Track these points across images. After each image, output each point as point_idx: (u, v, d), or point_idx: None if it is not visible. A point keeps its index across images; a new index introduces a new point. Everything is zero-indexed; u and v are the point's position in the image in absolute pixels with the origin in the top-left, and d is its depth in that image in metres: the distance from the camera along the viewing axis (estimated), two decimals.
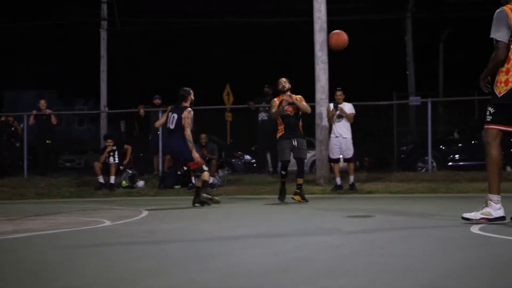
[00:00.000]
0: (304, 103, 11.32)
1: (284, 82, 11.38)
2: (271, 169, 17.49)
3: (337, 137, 13.95)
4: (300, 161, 11.44)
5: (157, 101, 17.91)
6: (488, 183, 6.84)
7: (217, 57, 33.64)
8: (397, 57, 28.30)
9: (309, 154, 18.86)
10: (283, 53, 32.29)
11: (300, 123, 11.39)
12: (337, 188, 13.95)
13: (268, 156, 17.75)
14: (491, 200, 6.73)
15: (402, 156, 19.29)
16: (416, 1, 27.21)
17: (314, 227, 7.13)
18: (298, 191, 11.35)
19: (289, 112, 11.17)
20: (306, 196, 11.48)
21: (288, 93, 11.29)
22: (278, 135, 11.36)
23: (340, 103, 13.94)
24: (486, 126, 6.84)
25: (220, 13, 27.09)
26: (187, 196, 13.27)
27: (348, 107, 14.03)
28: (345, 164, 14.28)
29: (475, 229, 6.34)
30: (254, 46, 32.63)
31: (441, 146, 18.50)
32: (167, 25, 27.34)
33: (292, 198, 11.30)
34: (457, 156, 18.38)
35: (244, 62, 32.56)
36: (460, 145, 18.55)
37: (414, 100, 19.77)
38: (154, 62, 34.89)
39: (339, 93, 14.02)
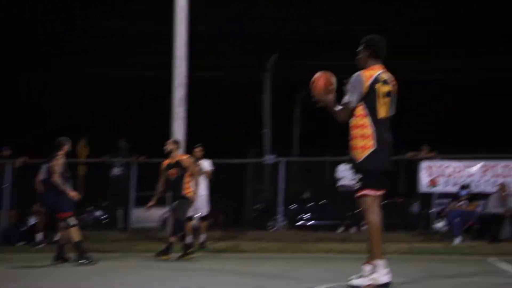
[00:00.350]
0: (197, 167, 11.53)
1: (167, 145, 11.54)
2: (122, 225, 17.14)
3: None
4: (175, 221, 11.73)
5: (6, 152, 17.14)
6: (371, 248, 6.73)
7: (75, 108, 32.86)
8: (255, 115, 28.80)
9: (161, 211, 18.72)
10: (141, 107, 32.06)
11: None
12: (188, 247, 13.76)
13: (120, 213, 17.39)
14: (378, 265, 6.66)
15: (255, 214, 19.48)
16: (275, 61, 27.96)
17: None
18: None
19: (171, 176, 11.49)
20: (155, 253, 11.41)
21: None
22: None
23: (199, 159, 13.89)
24: (358, 194, 6.83)
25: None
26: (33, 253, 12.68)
27: (206, 164, 14.02)
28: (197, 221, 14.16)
29: None
30: (112, 99, 32.17)
31: (292, 205, 18.87)
32: None
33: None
34: (307, 215, 18.80)
35: (101, 115, 31.96)
36: (310, 204, 19.02)
37: (269, 159, 20.09)
38: None
39: (198, 149, 13.97)
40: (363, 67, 6.95)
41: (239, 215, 20.85)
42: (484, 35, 27.57)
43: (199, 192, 13.72)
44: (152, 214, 19.07)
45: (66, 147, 10.68)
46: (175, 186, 11.49)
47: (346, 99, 6.84)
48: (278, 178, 17.01)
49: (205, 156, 14.15)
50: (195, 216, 13.87)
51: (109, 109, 31.29)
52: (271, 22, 27.35)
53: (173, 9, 15.50)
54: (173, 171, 11.49)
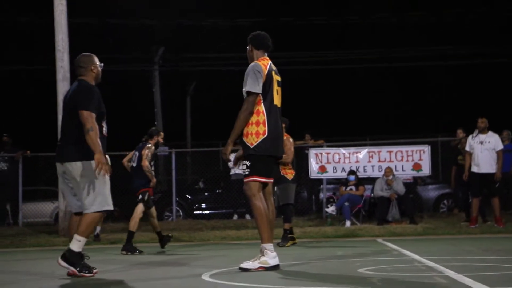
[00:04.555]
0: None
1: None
2: (11, 221, 16.71)
3: None
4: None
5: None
6: (259, 234, 6.93)
7: None
8: (146, 108, 28.63)
9: (54, 205, 18.35)
10: (27, 102, 31.20)
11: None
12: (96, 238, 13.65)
13: (7, 208, 16.96)
14: (266, 249, 6.85)
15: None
16: (163, 54, 27.90)
17: None
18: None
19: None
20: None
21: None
22: None
23: None
24: (246, 180, 6.97)
25: None
26: None
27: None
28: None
29: (206, 276, 6.54)
30: None
31: (187, 195, 18.93)
32: None
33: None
34: (202, 205, 18.93)
35: None
36: (205, 194, 19.14)
37: (162, 150, 20.03)
38: None
39: None
40: (251, 60, 7.20)
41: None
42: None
43: None
44: (43, 209, 18.74)
45: (156, 137, 11.06)
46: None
47: (249, 88, 6.94)
48: (171, 169, 17.02)
49: None
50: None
51: None
52: (155, 17, 27.32)
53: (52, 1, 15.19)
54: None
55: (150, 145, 11.02)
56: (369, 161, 16.88)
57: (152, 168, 11.06)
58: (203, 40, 28.98)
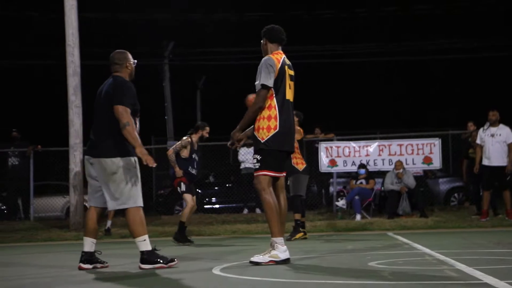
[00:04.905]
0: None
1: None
2: (22, 216, 16.81)
3: None
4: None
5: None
6: (269, 227, 6.94)
7: None
8: (156, 102, 28.70)
9: (65, 200, 18.41)
10: (38, 97, 31.34)
11: None
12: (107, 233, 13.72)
13: (19, 203, 17.04)
14: (277, 243, 6.87)
15: (160, 199, 19.47)
16: (173, 48, 27.94)
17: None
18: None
19: None
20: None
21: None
22: None
23: None
24: (256, 174, 6.97)
25: None
26: None
27: None
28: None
29: (216, 270, 6.56)
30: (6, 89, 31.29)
31: (197, 190, 18.94)
32: None
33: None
34: (212, 199, 18.96)
35: None
36: (215, 188, 19.17)
37: (171, 145, 20.07)
38: None
39: None
40: (265, 53, 7.19)
41: (144, 202, 20.72)
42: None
43: None
44: (54, 204, 18.81)
45: (200, 132, 11.31)
46: None
47: (262, 81, 6.93)
48: None
49: None
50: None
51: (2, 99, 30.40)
52: (166, 11, 27.34)
53: None
54: None
55: (186, 137, 11.27)
56: (379, 155, 16.82)
57: (196, 160, 11.33)
58: (213, 34, 29.01)
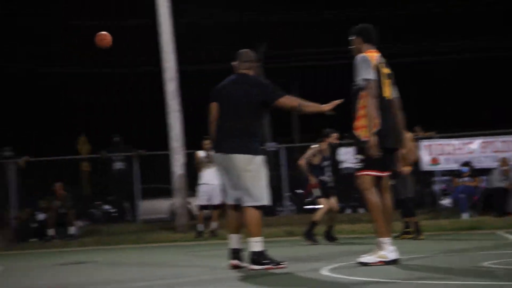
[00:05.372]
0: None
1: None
2: (130, 218, 17.34)
3: (205, 184, 13.94)
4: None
5: (8, 153, 17.27)
6: (376, 228, 6.88)
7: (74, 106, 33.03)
8: None
9: (169, 202, 18.85)
10: (136, 103, 32.20)
11: None
12: (199, 235, 13.93)
13: (126, 206, 17.57)
14: (384, 243, 6.80)
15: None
16: (265, 51, 28.06)
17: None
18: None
19: None
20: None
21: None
22: None
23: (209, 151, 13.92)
24: (359, 174, 6.93)
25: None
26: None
27: None
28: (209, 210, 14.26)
29: (325, 271, 6.56)
30: (107, 96, 32.30)
31: (299, 190, 19.02)
32: None
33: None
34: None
35: (99, 111, 32.06)
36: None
37: (271, 146, 20.25)
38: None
39: (207, 141, 13.98)
40: (358, 52, 7.11)
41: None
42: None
43: (212, 182, 13.69)
44: (160, 206, 19.29)
45: (328, 138, 11.42)
46: None
47: (364, 76, 6.86)
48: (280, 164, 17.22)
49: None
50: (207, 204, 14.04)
51: (106, 105, 31.39)
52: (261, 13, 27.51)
53: (155, 3, 15.57)
54: None
55: (316, 145, 11.43)
56: (483, 152, 16.41)
57: (329, 168, 11.44)
58: (305, 36, 28.96)
